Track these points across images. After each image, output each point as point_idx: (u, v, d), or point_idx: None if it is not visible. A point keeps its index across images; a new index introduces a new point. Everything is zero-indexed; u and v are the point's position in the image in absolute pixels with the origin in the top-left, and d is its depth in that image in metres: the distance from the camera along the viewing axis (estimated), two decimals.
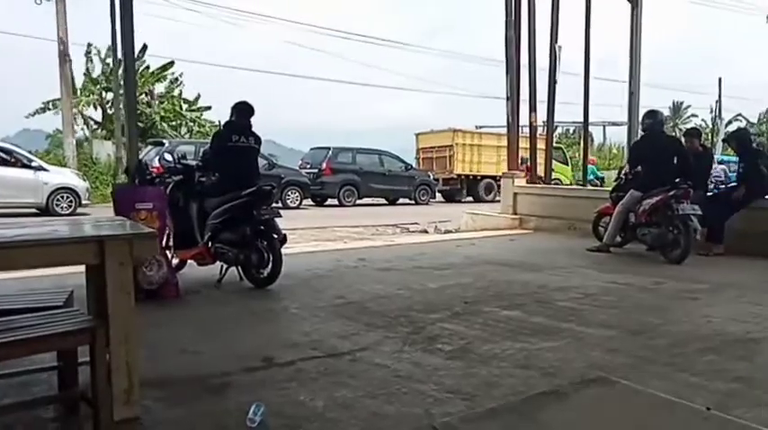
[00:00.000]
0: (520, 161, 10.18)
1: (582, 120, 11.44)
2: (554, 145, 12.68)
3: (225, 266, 5.01)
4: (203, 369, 2.95)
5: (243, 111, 5.19)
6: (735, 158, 9.14)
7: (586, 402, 2.72)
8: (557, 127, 14.40)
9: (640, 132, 7.21)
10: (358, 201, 17.89)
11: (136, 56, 7.19)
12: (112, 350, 1.95)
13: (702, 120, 37.11)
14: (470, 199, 20.56)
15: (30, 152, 14.63)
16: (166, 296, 4.40)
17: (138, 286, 2.09)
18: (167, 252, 4.84)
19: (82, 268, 2.31)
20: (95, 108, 22.50)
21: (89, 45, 21.86)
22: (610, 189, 7.70)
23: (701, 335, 3.59)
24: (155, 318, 3.76)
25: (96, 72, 22.26)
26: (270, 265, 4.77)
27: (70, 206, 12.56)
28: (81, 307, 2.34)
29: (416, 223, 11.90)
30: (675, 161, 6.49)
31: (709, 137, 28.96)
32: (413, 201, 18.97)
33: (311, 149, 19.36)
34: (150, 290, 4.28)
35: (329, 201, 17.85)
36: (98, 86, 22.06)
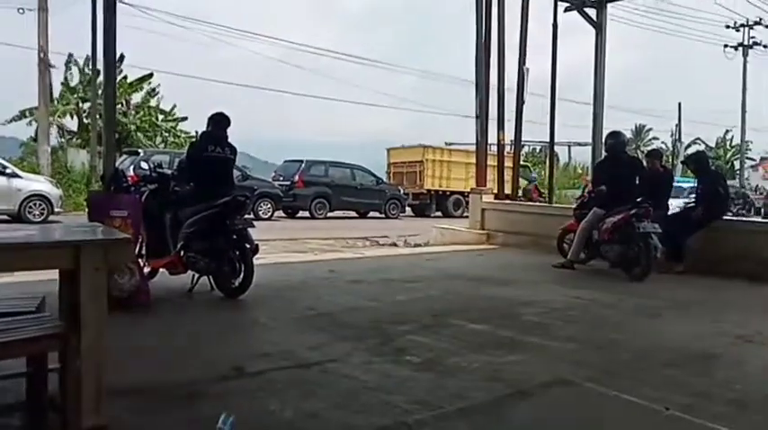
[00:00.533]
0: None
1: (548, 139, 11.74)
2: (521, 163, 12.95)
3: (196, 275, 4.98)
4: (173, 378, 2.93)
5: (219, 122, 5.21)
6: (693, 181, 9.51)
7: (552, 402, 2.84)
8: (524, 145, 14.70)
9: (604, 152, 7.43)
10: (329, 214, 17.88)
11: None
12: (83, 356, 1.94)
13: (663, 142, 38.45)
14: (439, 214, 20.76)
15: (3, 159, 14.29)
16: (137, 304, 4.35)
17: (108, 293, 2.08)
18: (140, 260, 4.79)
19: (55, 275, 2.29)
20: (72, 117, 22.33)
21: (70, 56, 21.85)
22: (574, 206, 7.85)
23: (663, 351, 3.69)
24: (125, 325, 3.70)
25: (74, 81, 22.14)
26: (241, 275, 4.76)
27: (42, 213, 12.36)
28: (53, 313, 2.31)
29: (386, 236, 11.92)
30: (637, 181, 6.71)
31: (670, 159, 30.03)
32: (383, 215, 19.05)
33: (284, 162, 19.40)
34: (121, 298, 4.22)
35: (301, 214, 17.79)
36: (75, 95, 21.88)
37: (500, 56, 9.99)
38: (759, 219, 12.41)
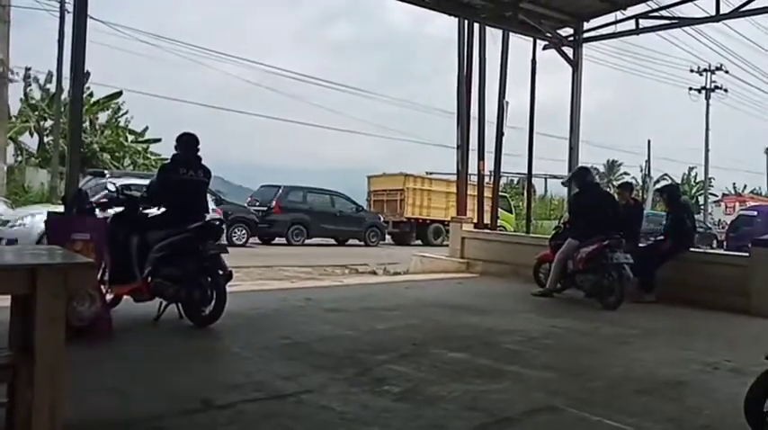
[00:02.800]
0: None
1: (526, 171, 11.94)
2: (500, 194, 13.12)
3: (164, 303, 4.76)
4: (135, 411, 2.79)
5: (187, 143, 5.08)
6: (662, 214, 9.75)
7: (538, 428, 2.86)
8: (501, 177, 14.86)
9: (574, 186, 7.61)
10: (307, 241, 17.71)
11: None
12: (36, 390, 1.80)
13: (633, 177, 39.64)
14: (419, 242, 20.76)
15: None
16: (97, 333, 4.12)
17: (66, 322, 1.95)
18: (102, 286, 4.55)
19: (5, 300, 2.15)
20: (31, 135, 21.68)
21: (27, 69, 21.24)
22: (549, 237, 8.00)
23: (636, 378, 3.77)
24: (83, 356, 3.49)
25: (35, 97, 21.53)
26: (213, 303, 4.59)
27: None
28: (2, 342, 2.16)
29: (365, 264, 11.86)
30: (610, 214, 6.92)
31: (640, 193, 30.77)
32: (362, 243, 18.95)
33: (261, 187, 19.13)
34: (80, 326, 4.00)
35: (277, 240, 17.57)
36: (36, 113, 21.23)
37: (481, 89, 10.26)
38: (721, 251, 12.86)
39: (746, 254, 7.11)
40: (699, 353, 4.48)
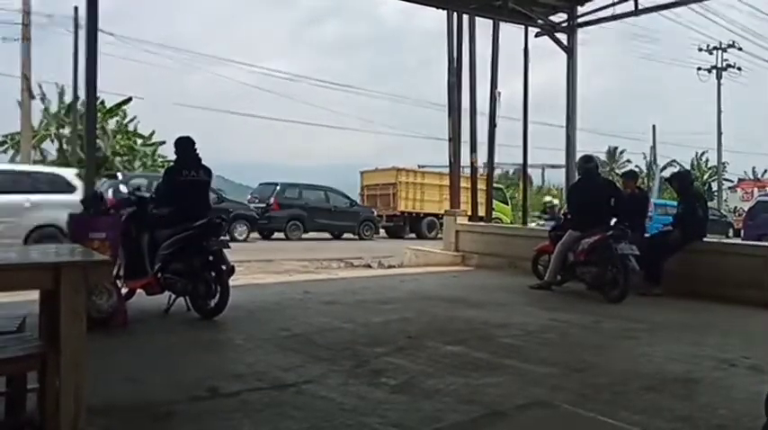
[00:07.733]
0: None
1: (521, 161, 11.93)
2: (494, 185, 13.19)
3: (173, 296, 5.00)
4: (149, 398, 2.93)
5: (185, 146, 5.35)
6: (672, 203, 9.53)
7: (531, 423, 2.85)
8: (496, 168, 14.85)
9: (577, 175, 7.45)
10: (304, 236, 17.89)
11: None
12: (62, 376, 1.94)
13: (637, 165, 37.21)
14: (413, 235, 20.84)
15: None
16: (115, 325, 4.37)
17: (86, 314, 2.10)
18: (117, 281, 4.81)
19: (35, 295, 2.29)
20: (52, 141, 22.97)
21: (40, 86, 22.31)
22: (548, 228, 7.88)
23: (642, 374, 3.58)
24: (102, 346, 3.67)
25: (53, 108, 22.74)
26: (217, 296, 4.78)
27: None
28: (34, 333, 2.31)
29: (360, 258, 11.90)
30: (612, 203, 6.72)
31: (645, 181, 29.75)
32: (357, 237, 19.11)
33: (260, 185, 19.57)
34: (99, 318, 4.23)
35: (276, 235, 17.77)
36: (55, 122, 22.51)
37: (471, 79, 10.16)
38: (737, 241, 12.35)
39: (766, 243, 6.71)
40: (712, 349, 4.23)
